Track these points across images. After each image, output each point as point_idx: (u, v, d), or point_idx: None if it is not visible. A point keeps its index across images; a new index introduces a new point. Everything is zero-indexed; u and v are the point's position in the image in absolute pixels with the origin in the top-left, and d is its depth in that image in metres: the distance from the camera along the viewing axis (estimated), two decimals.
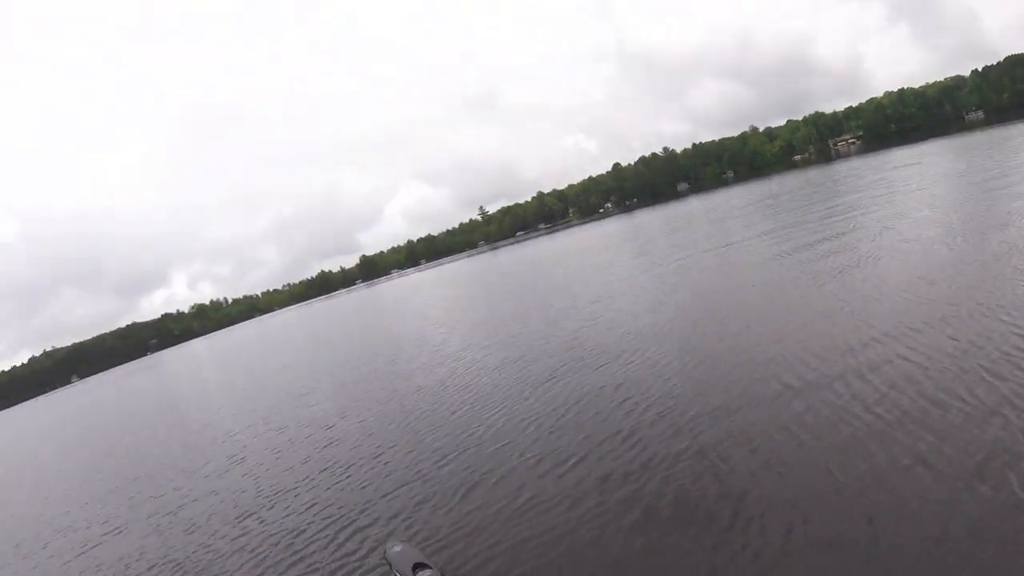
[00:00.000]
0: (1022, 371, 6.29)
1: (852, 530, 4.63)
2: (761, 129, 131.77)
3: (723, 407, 7.60)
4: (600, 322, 15.01)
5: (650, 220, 56.06)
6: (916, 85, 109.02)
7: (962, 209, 17.41)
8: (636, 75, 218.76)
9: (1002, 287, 9.05)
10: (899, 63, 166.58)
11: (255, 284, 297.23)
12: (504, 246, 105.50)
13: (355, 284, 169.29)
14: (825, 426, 6.35)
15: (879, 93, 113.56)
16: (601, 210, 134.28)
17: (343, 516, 7.78)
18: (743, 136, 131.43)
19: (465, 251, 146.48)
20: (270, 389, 21.41)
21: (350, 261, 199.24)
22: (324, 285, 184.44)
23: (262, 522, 8.49)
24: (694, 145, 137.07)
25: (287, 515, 8.44)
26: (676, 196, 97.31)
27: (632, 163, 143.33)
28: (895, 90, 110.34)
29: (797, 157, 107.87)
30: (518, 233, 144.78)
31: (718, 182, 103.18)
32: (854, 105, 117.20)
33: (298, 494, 9.16)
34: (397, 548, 5.85)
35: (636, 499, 6.04)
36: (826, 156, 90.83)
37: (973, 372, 6.57)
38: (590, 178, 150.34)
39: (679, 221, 44.25)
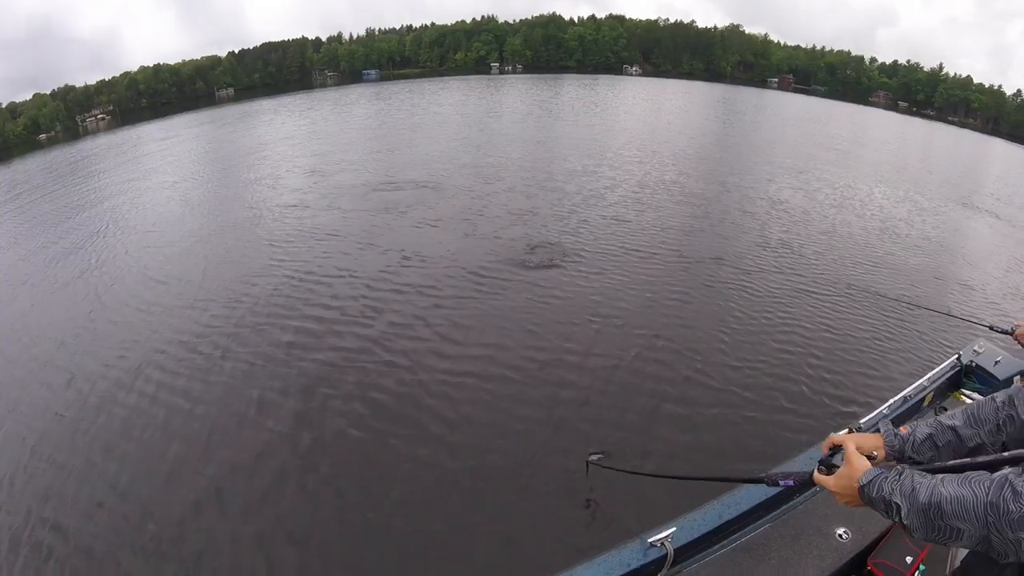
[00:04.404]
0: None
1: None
2: (5, 105, 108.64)
3: None
4: None
5: None
6: (173, 62, 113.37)
7: (206, 187, 19.44)
8: None
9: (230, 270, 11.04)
10: (160, 40, 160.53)
11: None
12: None
13: None
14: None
15: (135, 68, 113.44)
16: None
17: None
18: None
19: None
20: None
21: None
22: None
23: None
24: None
25: None
26: None
27: None
28: (151, 65, 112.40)
29: (43, 136, 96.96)
30: None
31: None
32: (107, 79, 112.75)
33: None
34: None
35: None
36: (74, 133, 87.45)
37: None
38: None
39: None
